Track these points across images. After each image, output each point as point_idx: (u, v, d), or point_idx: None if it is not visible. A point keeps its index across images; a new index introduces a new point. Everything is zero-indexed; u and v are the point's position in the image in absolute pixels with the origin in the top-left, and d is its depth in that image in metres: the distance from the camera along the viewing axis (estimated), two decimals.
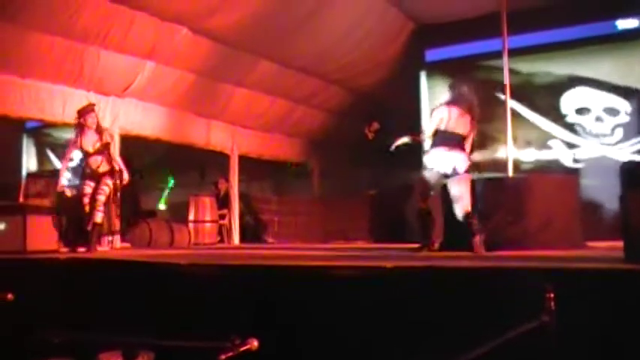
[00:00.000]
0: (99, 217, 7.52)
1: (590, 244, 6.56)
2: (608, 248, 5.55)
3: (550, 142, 10.83)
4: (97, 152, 7.46)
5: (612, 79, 10.33)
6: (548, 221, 6.22)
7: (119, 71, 9.02)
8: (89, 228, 7.45)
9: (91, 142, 7.43)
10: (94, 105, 7.66)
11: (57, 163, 14.57)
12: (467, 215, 5.86)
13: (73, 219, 9.34)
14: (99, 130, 7.47)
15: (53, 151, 14.79)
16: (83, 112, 7.44)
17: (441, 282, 3.29)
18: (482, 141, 10.24)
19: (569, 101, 10.71)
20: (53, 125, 11.65)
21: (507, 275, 3.30)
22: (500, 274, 3.36)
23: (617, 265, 3.65)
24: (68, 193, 8.03)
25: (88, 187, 7.48)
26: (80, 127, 7.43)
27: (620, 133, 10.32)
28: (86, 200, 7.50)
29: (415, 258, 5.22)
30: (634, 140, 10.17)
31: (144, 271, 4.66)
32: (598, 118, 10.49)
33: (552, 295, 2.82)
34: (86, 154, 7.47)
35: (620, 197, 4.18)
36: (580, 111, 10.66)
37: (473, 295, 3.12)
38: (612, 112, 10.40)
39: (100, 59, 8.68)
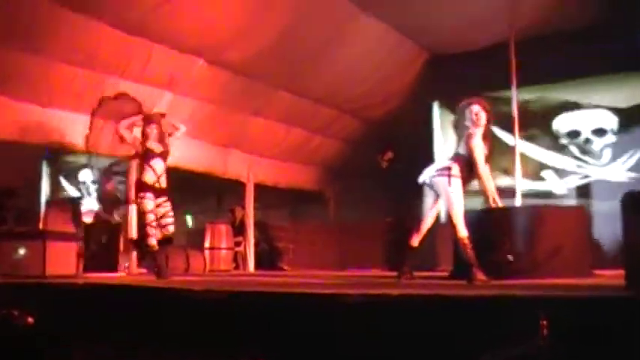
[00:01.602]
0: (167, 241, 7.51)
1: (598, 272, 6.64)
2: (614, 276, 5.63)
3: (543, 173, 11.07)
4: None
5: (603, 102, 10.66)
6: (555, 251, 6.31)
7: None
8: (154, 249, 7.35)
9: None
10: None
11: (70, 190, 14.87)
12: (463, 244, 5.94)
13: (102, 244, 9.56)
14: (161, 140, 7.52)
15: (67, 178, 15.06)
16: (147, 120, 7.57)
17: (441, 309, 3.41)
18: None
19: (560, 125, 11.02)
20: (68, 153, 11.87)
21: (504, 303, 3.41)
22: (498, 302, 3.46)
23: (612, 293, 3.74)
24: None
25: (151, 202, 7.35)
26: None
27: (608, 153, 10.59)
28: (152, 217, 7.34)
29: (420, 286, 5.32)
30: (624, 158, 10.40)
31: (158, 296, 4.80)
32: (587, 140, 10.74)
33: (545, 323, 2.92)
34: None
35: (622, 227, 4.30)
36: (570, 134, 10.92)
37: (472, 322, 3.23)
38: (600, 132, 10.68)
39: (120, 89, 8.91)
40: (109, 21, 7.92)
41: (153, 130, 7.48)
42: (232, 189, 12.57)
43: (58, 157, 14.36)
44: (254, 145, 11.73)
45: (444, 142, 12.07)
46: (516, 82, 8.26)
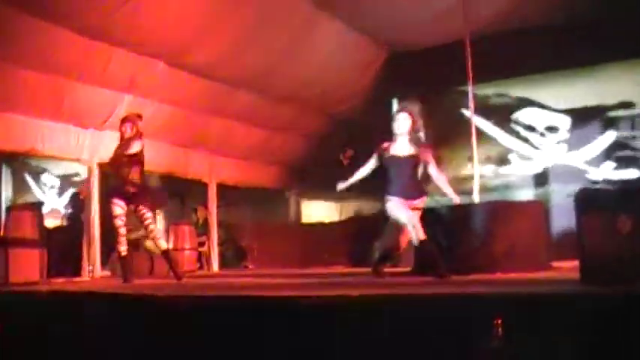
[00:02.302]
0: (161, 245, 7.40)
1: (556, 264, 6.84)
2: (570, 269, 5.78)
3: (509, 157, 11.53)
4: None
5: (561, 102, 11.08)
6: (513, 246, 6.49)
7: (98, 105, 9.21)
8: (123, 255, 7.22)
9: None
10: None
11: (37, 191, 14.71)
12: (424, 247, 6.05)
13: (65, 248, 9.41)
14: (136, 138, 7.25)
15: (33, 178, 14.92)
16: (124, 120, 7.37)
17: (400, 309, 3.52)
18: (447, 159, 10.86)
19: (519, 120, 11.46)
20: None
21: (462, 302, 3.53)
22: (457, 301, 3.58)
23: (567, 289, 3.88)
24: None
25: (119, 208, 7.16)
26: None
27: (564, 147, 11.07)
28: (119, 223, 7.16)
29: (380, 285, 5.43)
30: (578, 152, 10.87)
31: (123, 302, 4.83)
32: (542, 135, 11.17)
33: (500, 322, 3.05)
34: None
35: (576, 223, 4.47)
36: (527, 128, 11.38)
37: (432, 322, 3.34)
38: (553, 129, 11.15)
39: (80, 93, 8.87)
40: (67, 25, 7.86)
41: (127, 130, 7.27)
42: (195, 189, 12.58)
43: (19, 157, 14.22)
44: (215, 145, 11.74)
45: None
46: (473, 78, 8.44)
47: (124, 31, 8.21)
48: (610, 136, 10.69)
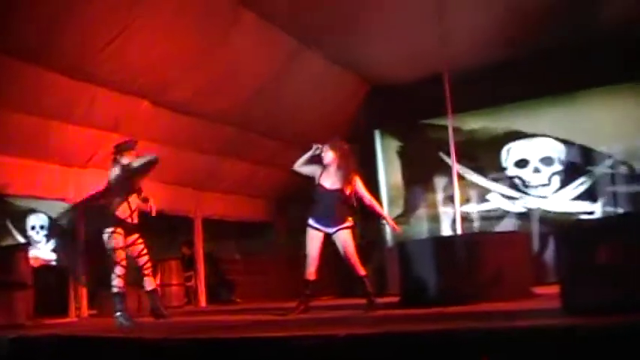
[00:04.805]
0: (151, 283, 7.22)
1: (539, 289, 6.91)
2: (552, 296, 5.83)
3: (488, 196, 11.47)
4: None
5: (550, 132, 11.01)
6: (498, 276, 6.56)
7: (84, 144, 9.26)
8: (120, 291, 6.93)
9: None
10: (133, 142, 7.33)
11: (18, 236, 14.55)
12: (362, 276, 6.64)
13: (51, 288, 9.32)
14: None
15: (13, 223, 14.74)
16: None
17: (387, 348, 3.58)
18: (424, 197, 10.96)
19: (509, 155, 11.39)
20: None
21: (449, 340, 3.58)
22: (442, 339, 3.63)
23: (550, 322, 3.95)
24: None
25: (120, 238, 6.89)
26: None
27: (557, 181, 10.91)
28: (121, 255, 6.88)
29: (367, 322, 5.48)
30: (573, 185, 10.75)
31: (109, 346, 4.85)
32: (536, 169, 11.09)
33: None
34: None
35: (556, 254, 4.58)
36: (519, 163, 11.26)
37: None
38: (548, 161, 11.04)
39: (65, 134, 8.91)
40: (51, 67, 7.93)
41: (126, 159, 7.09)
42: (182, 224, 12.59)
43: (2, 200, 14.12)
44: (200, 181, 11.79)
45: (387, 168, 12.43)
46: (452, 112, 8.58)
47: (107, 71, 8.26)
48: (596, 171, 10.64)
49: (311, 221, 6.82)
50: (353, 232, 6.88)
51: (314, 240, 6.77)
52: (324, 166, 6.87)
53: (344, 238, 6.72)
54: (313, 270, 6.80)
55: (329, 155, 6.84)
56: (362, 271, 6.74)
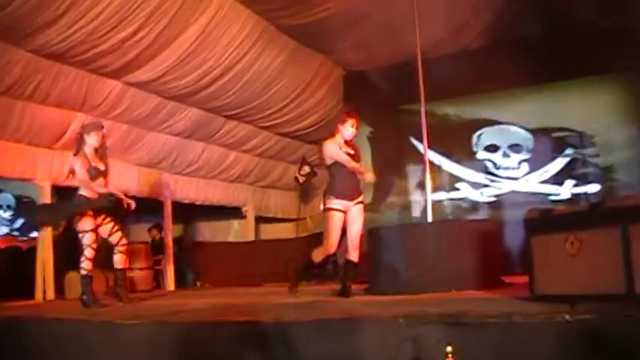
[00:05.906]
0: (121, 261, 7.06)
1: (508, 278, 6.95)
2: (521, 285, 5.85)
3: (458, 185, 11.54)
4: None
5: (523, 120, 11.13)
6: (467, 264, 6.56)
7: (51, 124, 9.09)
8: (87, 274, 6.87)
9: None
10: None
11: None
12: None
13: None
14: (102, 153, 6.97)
15: None
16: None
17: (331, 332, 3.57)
18: (395, 185, 10.98)
19: (480, 140, 11.51)
20: None
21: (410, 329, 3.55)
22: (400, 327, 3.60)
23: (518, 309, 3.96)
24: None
25: (90, 221, 6.80)
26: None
27: (525, 166, 11.08)
28: (93, 237, 6.79)
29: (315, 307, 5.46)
30: (540, 171, 10.93)
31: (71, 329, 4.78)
32: (505, 154, 11.19)
33: (451, 349, 3.09)
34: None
35: (525, 243, 4.60)
36: (489, 148, 11.40)
37: (367, 345, 3.38)
38: (516, 148, 11.21)
39: (32, 113, 8.75)
40: (23, 46, 7.77)
41: (93, 138, 6.92)
42: (152, 207, 12.45)
43: None
44: (170, 164, 11.66)
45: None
46: (425, 97, 8.49)
47: (77, 49, 8.10)
48: (567, 155, 10.80)
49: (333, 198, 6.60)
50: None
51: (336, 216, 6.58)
52: (345, 142, 6.71)
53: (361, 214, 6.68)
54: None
55: (351, 131, 6.67)
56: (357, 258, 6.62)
